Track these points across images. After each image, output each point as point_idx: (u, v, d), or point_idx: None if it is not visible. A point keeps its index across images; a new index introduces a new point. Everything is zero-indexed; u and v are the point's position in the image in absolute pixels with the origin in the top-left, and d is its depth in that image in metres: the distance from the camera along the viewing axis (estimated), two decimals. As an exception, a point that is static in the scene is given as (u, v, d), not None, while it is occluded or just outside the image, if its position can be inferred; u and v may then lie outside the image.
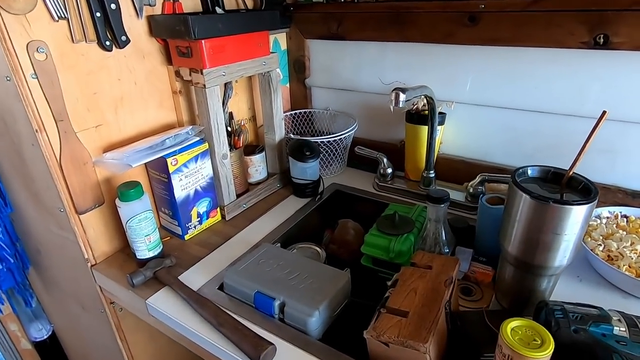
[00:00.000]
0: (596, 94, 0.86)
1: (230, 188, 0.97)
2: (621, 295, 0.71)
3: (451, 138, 1.06)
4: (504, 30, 0.89)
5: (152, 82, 0.88)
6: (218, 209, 0.97)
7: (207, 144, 0.89)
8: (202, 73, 0.82)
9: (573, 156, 0.93)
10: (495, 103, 0.98)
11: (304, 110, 1.27)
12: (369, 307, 0.77)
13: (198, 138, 0.88)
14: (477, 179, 0.94)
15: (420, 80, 1.03)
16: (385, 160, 1.07)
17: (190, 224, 0.91)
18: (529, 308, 0.67)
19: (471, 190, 0.96)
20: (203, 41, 0.80)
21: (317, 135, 1.26)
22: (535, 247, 0.61)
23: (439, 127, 0.99)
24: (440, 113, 1.01)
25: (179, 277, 0.79)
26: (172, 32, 0.81)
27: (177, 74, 0.88)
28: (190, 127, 0.87)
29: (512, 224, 0.63)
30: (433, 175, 1.01)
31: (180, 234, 0.91)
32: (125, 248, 0.88)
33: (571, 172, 0.62)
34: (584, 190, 0.60)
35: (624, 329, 0.57)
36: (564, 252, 0.60)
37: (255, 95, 1.14)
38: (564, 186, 0.62)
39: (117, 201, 0.78)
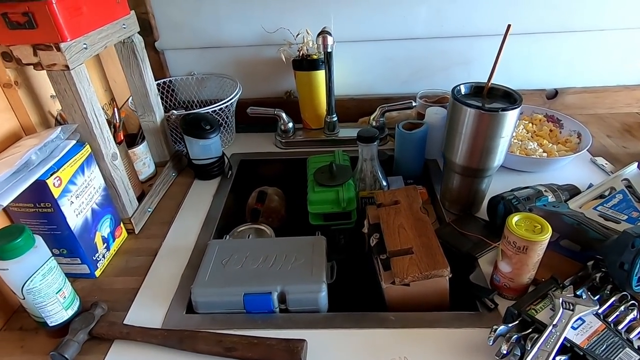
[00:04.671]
0: (452, 15, 0.99)
1: (130, 194, 0.76)
2: (516, 173, 0.89)
3: (336, 79, 1.07)
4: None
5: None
6: (121, 224, 0.75)
7: (88, 146, 0.66)
8: (59, 49, 0.57)
9: (439, 75, 1.08)
10: (371, 37, 1.02)
11: (161, 80, 1.06)
12: (345, 260, 0.76)
13: (73, 141, 0.64)
14: (378, 112, 0.99)
15: (289, 23, 0.98)
16: (284, 115, 1.01)
17: (97, 255, 0.69)
18: (477, 206, 0.79)
19: (374, 123, 1.00)
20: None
21: (184, 108, 1.09)
22: (480, 153, 0.70)
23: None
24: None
25: (125, 323, 0.61)
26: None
27: (7, 56, 0.59)
28: (59, 128, 0.62)
29: (459, 137, 0.70)
30: (336, 118, 1.01)
31: (89, 272, 0.68)
32: (10, 322, 0.62)
33: (489, 84, 0.71)
34: (505, 96, 0.70)
35: (551, 196, 0.73)
36: (501, 152, 0.70)
37: (108, 72, 0.88)
38: (485, 97, 0.72)
39: (-5, 262, 0.51)
